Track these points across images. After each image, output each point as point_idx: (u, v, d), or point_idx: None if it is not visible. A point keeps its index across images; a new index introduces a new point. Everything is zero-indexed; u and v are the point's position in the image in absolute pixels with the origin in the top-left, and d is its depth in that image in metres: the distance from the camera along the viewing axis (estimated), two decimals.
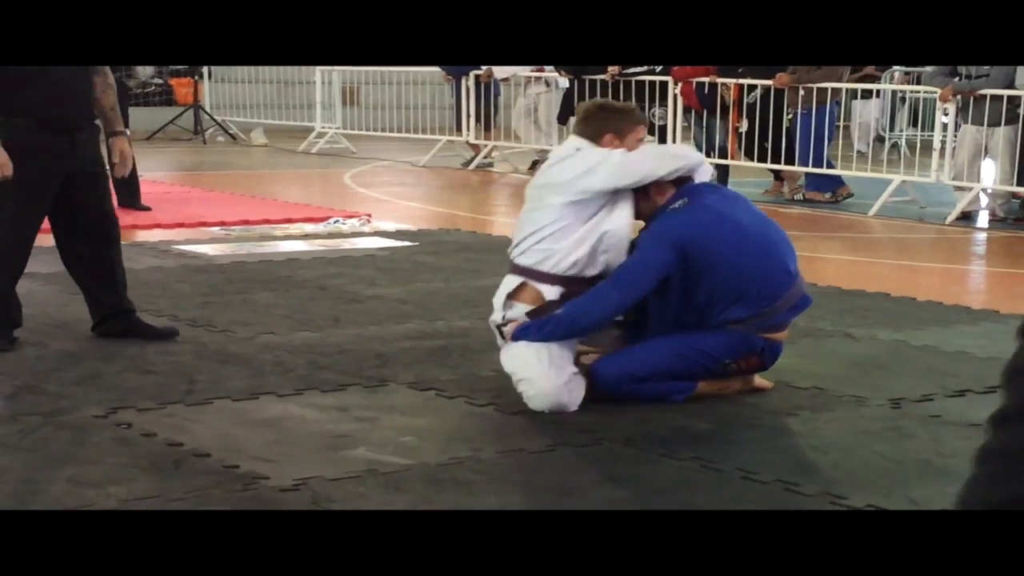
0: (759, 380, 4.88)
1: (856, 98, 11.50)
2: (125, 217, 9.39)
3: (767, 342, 4.68)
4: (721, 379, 4.76)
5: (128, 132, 5.93)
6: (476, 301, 6.49)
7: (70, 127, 5.31)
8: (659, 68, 12.57)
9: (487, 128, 14.50)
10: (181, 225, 9.14)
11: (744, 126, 12.01)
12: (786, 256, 4.75)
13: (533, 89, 13.83)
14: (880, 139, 13.80)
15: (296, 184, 12.74)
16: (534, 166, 14.30)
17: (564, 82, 13.48)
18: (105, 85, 5.50)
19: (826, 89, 11.29)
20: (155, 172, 10.11)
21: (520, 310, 4.68)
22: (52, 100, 5.23)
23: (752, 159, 12.06)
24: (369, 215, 9.81)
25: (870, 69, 11.64)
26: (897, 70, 14.27)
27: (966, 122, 10.52)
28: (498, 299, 4.78)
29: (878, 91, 11.68)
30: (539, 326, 4.57)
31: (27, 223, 5.34)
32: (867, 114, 12.03)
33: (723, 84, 11.98)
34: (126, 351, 5.32)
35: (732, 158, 12.18)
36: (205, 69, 17.89)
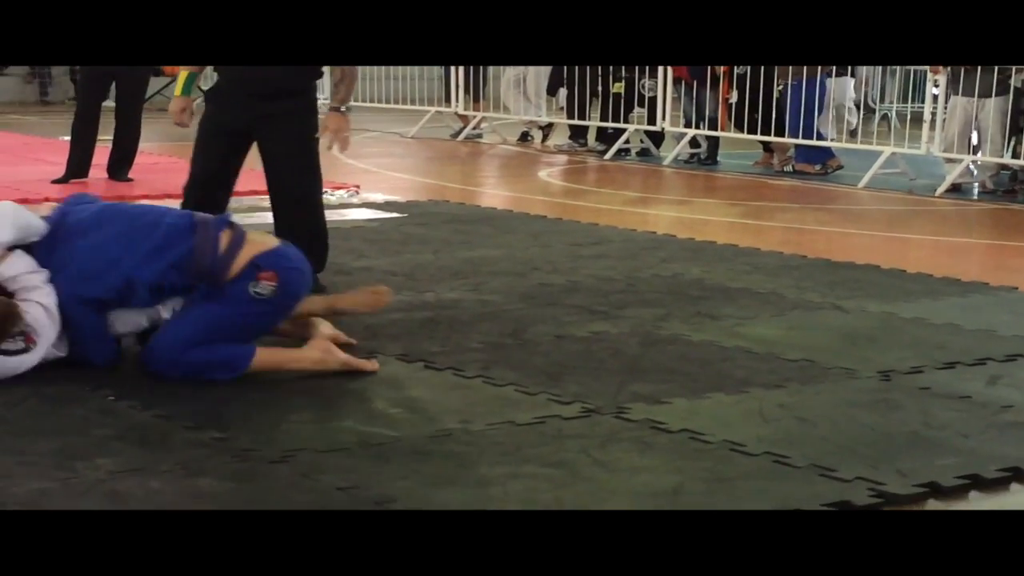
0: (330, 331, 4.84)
1: (831, 76, 11.22)
2: (111, 188, 9.37)
3: (257, 259, 4.53)
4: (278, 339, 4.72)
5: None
6: (465, 273, 6.48)
7: None
8: None
9: (476, 99, 14.45)
10: (168, 196, 9.07)
11: (734, 97, 11.99)
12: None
13: None
14: (870, 111, 13.74)
15: None
16: (523, 137, 14.28)
17: None
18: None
19: None
20: (143, 143, 10.06)
21: None
22: None
23: (742, 131, 12.05)
24: (358, 186, 9.78)
25: None
26: None
27: (956, 94, 10.50)
28: None
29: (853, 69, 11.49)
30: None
31: None
32: (841, 94, 11.49)
33: None
34: None
35: (722, 129, 12.16)
36: None
